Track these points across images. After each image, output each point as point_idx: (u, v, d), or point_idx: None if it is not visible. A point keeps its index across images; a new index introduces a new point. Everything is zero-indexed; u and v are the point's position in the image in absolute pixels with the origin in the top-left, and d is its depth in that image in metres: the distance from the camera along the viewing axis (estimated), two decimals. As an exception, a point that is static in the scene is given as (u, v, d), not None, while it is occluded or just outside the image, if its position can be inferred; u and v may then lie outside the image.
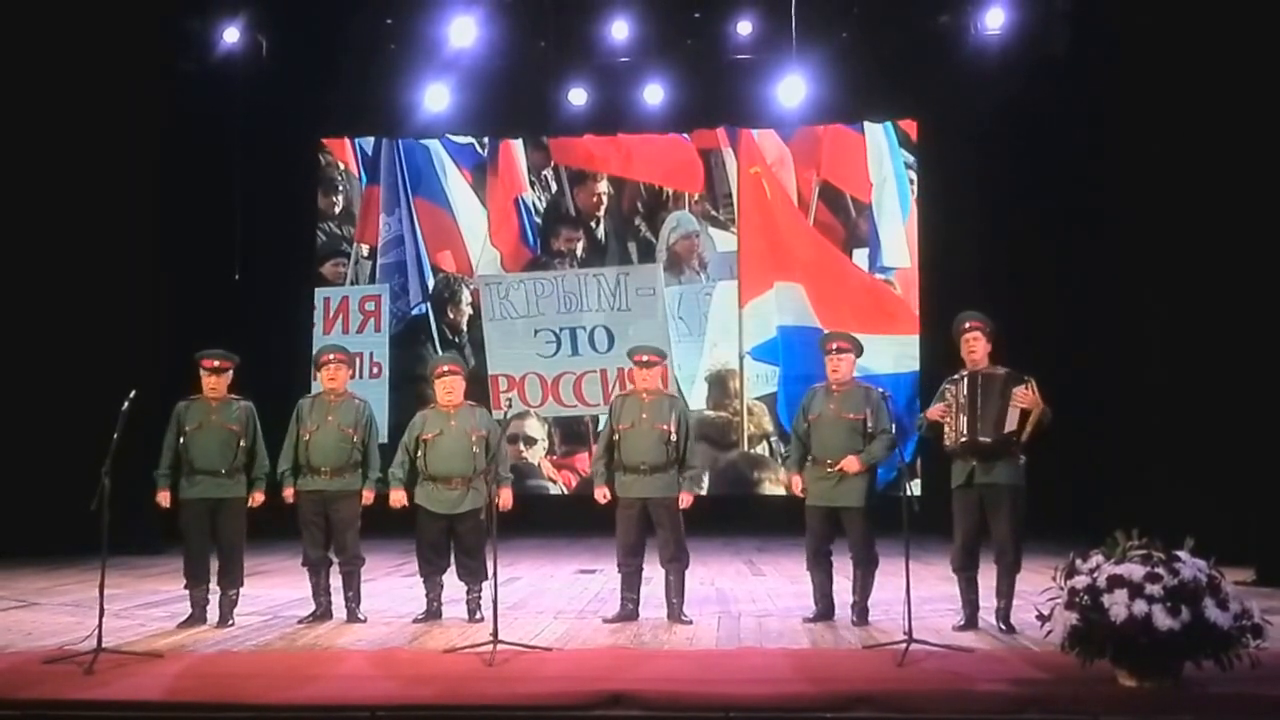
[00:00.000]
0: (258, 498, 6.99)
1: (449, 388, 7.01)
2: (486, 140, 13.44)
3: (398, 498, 7.04)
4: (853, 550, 6.77)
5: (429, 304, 13.42)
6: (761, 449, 12.86)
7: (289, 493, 7.05)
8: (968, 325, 6.57)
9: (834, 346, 6.93)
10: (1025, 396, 6.31)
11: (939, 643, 5.80)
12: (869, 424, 6.75)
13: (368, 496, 7.06)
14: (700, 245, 13.11)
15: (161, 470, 6.89)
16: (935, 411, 6.56)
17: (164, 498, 6.90)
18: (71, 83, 10.50)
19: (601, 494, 7.05)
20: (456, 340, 13.22)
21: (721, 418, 12.86)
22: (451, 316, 13.37)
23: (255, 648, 6.14)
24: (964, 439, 6.41)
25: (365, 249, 13.49)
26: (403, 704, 4.83)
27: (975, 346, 6.52)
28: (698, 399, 12.76)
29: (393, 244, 13.47)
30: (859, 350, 6.99)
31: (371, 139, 13.57)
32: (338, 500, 7.00)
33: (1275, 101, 8.86)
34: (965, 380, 6.49)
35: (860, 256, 12.94)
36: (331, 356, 7.20)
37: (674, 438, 6.87)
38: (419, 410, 7.34)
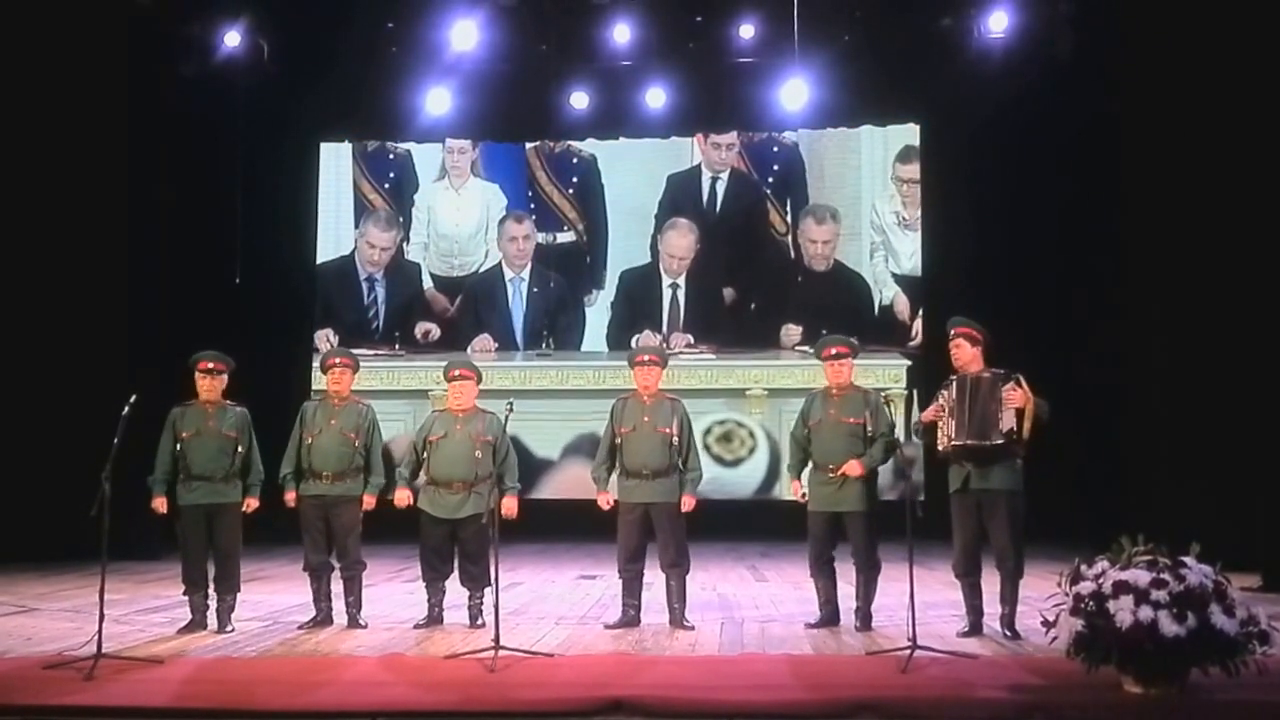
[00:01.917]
0: (252, 503, 6.96)
1: (459, 392, 6.99)
2: (486, 144, 13.43)
3: (403, 497, 7.00)
4: (855, 555, 6.75)
5: (427, 305, 13.40)
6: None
7: (290, 497, 7.02)
8: (952, 331, 6.61)
9: (832, 351, 6.90)
10: (1015, 395, 6.28)
11: (943, 649, 5.77)
12: (869, 428, 6.74)
13: (369, 502, 7.03)
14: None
15: (157, 477, 6.84)
16: (929, 413, 6.59)
17: (160, 504, 6.85)
18: (73, 88, 10.50)
19: (604, 500, 7.00)
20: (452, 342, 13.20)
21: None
22: (452, 317, 13.35)
23: (256, 653, 6.12)
24: (954, 443, 6.39)
25: (366, 252, 13.46)
26: (404, 709, 4.80)
27: (958, 353, 6.55)
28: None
29: (393, 247, 13.45)
30: (856, 354, 6.97)
31: (372, 142, 13.55)
32: (339, 505, 6.97)
33: (1278, 104, 8.84)
34: (955, 384, 6.50)
35: (866, 262, 12.93)
36: (336, 361, 7.19)
37: (676, 441, 6.84)
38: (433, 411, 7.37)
